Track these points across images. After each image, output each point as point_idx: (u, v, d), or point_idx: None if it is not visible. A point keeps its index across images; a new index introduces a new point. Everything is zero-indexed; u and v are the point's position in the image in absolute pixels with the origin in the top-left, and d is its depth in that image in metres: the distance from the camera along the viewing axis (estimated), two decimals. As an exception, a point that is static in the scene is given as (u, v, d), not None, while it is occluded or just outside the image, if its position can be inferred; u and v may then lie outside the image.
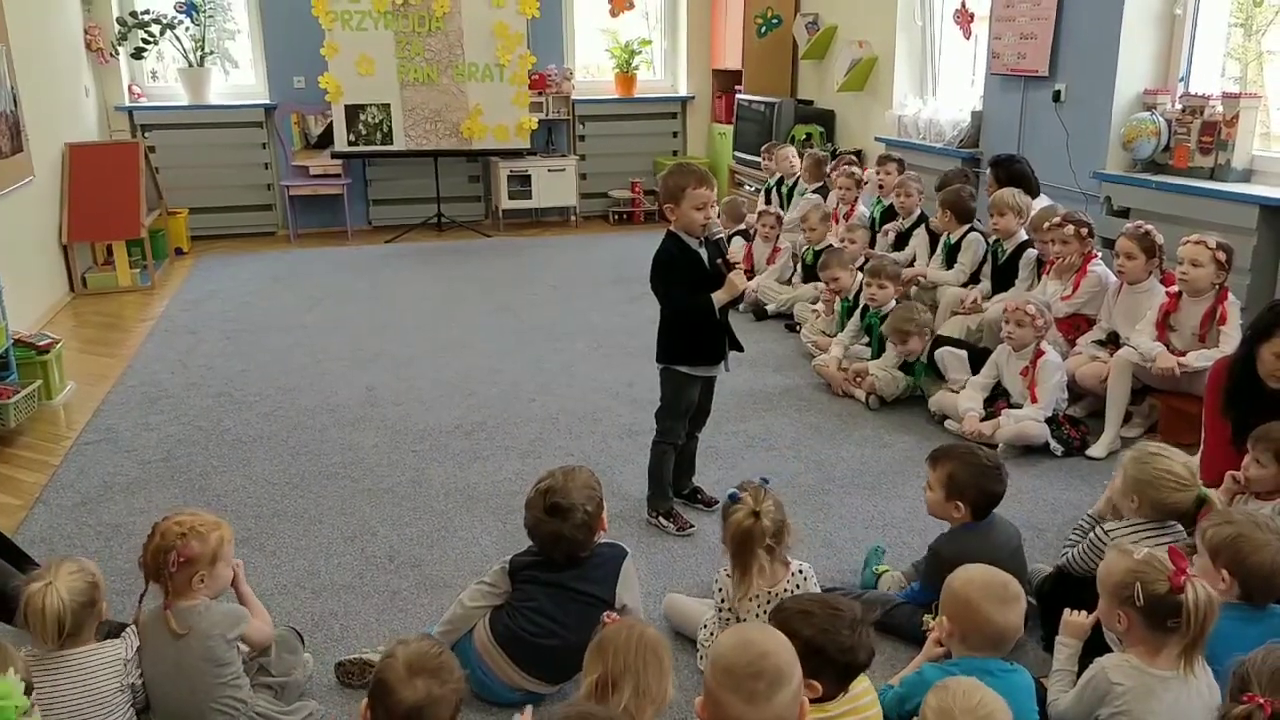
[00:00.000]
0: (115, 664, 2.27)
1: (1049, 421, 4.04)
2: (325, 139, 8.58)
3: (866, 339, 4.93)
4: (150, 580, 2.34)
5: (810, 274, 6.03)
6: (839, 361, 4.81)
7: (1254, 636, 2.17)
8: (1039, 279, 4.86)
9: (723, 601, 2.58)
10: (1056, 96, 5.66)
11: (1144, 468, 2.63)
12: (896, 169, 6.24)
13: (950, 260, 5.50)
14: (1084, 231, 4.50)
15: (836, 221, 6.16)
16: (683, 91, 9.56)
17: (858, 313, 4.96)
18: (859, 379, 4.66)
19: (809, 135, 7.93)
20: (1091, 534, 2.70)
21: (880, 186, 6.31)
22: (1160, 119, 5.05)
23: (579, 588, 2.58)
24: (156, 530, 2.33)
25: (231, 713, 2.31)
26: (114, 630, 2.37)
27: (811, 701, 1.93)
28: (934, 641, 2.37)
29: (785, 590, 2.55)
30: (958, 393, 4.34)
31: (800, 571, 2.59)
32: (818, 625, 2.00)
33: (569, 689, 2.61)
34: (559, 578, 2.58)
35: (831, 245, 5.69)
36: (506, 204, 8.92)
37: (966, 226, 5.37)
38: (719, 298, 3.24)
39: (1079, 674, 2.28)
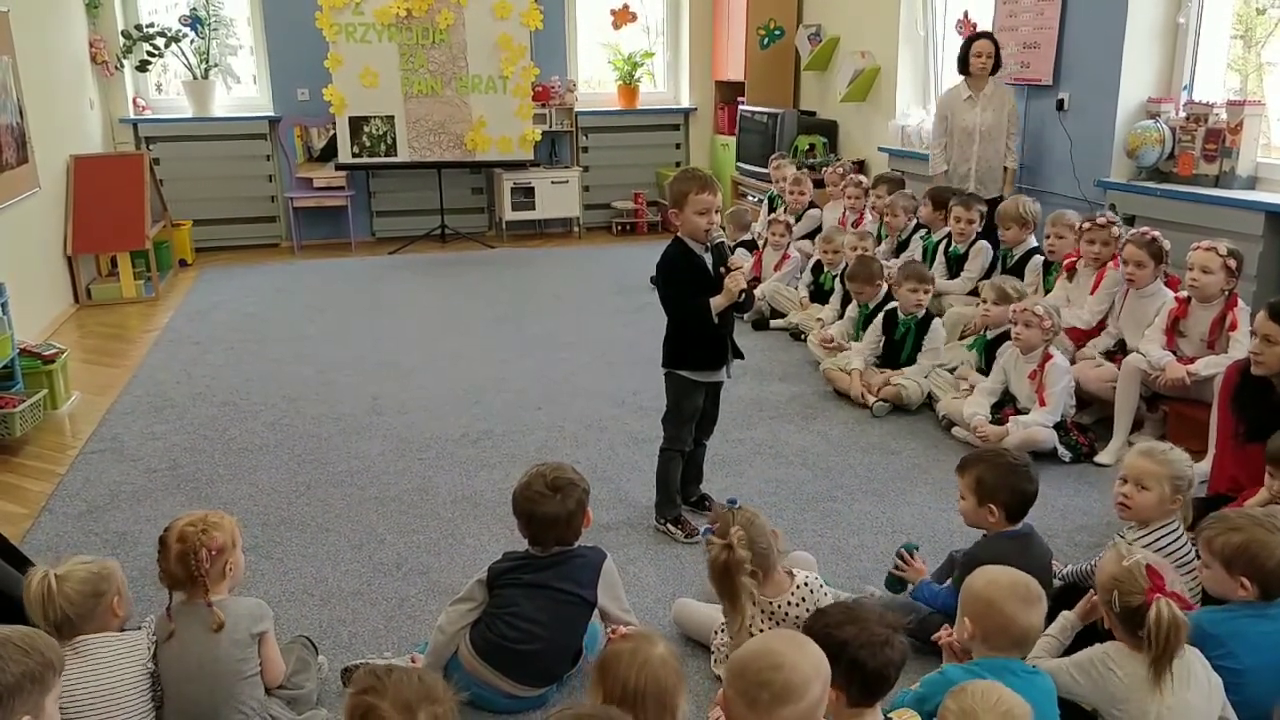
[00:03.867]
0: (136, 651, 2.26)
1: (1057, 428, 4.02)
2: (328, 151, 8.60)
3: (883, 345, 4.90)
4: (177, 588, 2.33)
5: (820, 295, 5.97)
6: (860, 373, 4.75)
7: (1271, 632, 2.18)
8: (1044, 284, 4.88)
9: (724, 644, 2.56)
10: (1060, 105, 5.68)
11: (1180, 465, 2.66)
12: (886, 191, 6.26)
13: (955, 268, 5.51)
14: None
15: (844, 226, 6.16)
16: (685, 103, 9.58)
17: (879, 320, 4.90)
18: (876, 389, 4.64)
19: (812, 146, 7.94)
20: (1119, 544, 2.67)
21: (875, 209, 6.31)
22: (1164, 127, 5.06)
23: (561, 586, 2.58)
24: (170, 539, 2.32)
25: (248, 712, 2.30)
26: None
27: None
28: (950, 649, 2.35)
29: (790, 602, 2.53)
30: (964, 396, 4.34)
31: (805, 584, 2.57)
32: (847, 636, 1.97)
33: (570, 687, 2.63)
34: (542, 577, 2.59)
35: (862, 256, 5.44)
36: (510, 215, 8.93)
37: (977, 235, 5.39)
38: (717, 303, 3.23)
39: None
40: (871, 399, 4.62)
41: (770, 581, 2.54)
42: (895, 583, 2.97)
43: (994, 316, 4.47)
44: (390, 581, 3.21)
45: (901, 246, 6.01)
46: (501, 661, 2.54)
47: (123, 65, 8.08)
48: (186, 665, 2.28)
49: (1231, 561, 2.28)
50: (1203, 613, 2.34)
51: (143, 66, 8.14)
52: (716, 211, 3.24)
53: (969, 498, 2.77)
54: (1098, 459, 4.02)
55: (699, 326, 3.30)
